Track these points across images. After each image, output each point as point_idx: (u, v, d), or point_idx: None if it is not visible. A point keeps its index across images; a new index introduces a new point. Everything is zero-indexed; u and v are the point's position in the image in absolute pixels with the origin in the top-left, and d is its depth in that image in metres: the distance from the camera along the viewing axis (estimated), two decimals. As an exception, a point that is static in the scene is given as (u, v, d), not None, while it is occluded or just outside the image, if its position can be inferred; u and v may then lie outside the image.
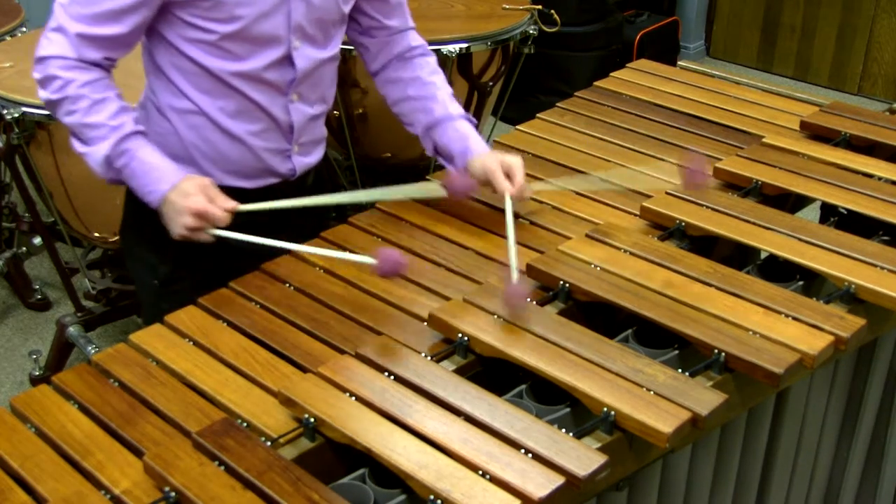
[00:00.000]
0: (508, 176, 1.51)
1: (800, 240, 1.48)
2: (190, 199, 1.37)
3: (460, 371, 1.25)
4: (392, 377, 1.19)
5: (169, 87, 1.48)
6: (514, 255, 1.39)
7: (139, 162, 1.41)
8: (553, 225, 1.57)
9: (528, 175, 1.59)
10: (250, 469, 1.05)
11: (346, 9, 1.53)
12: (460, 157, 1.57)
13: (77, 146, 1.45)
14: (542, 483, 1.03)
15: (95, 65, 1.41)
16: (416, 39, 1.65)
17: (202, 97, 1.47)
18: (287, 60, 1.47)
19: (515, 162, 1.52)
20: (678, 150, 1.80)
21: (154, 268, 1.59)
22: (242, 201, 1.42)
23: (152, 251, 1.57)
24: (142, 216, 1.48)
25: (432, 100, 1.60)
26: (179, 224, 1.38)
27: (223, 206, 1.39)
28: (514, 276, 1.36)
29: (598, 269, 1.41)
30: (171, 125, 1.51)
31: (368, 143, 2.68)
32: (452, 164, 1.60)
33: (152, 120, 1.52)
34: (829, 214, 1.69)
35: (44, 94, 1.43)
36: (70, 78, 1.39)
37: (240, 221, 1.40)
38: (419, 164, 2.74)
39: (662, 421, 1.11)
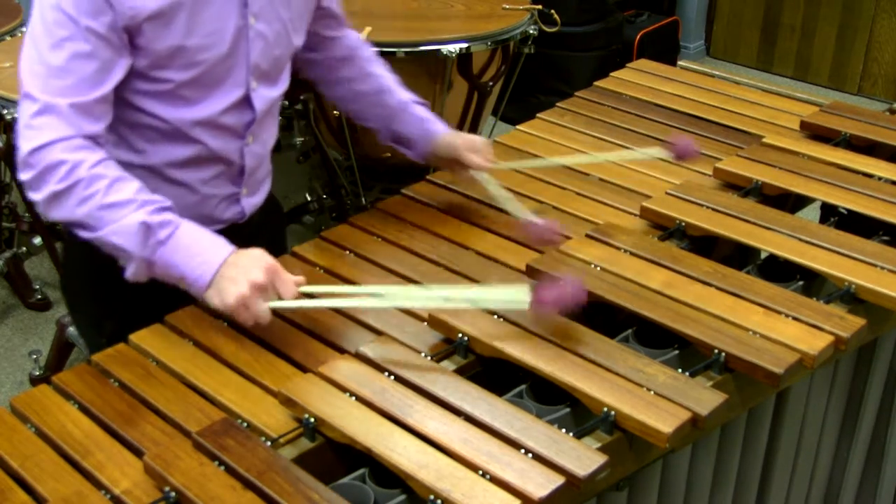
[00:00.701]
0: (473, 151, 1.54)
1: (800, 240, 1.48)
2: (262, 258, 1.24)
3: (460, 371, 1.25)
4: (392, 377, 1.19)
5: (110, 139, 1.36)
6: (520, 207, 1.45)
7: (185, 231, 1.24)
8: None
9: (522, 173, 1.59)
10: (250, 469, 1.05)
11: (298, 42, 1.47)
12: (421, 140, 1.59)
13: (91, 234, 1.24)
14: (542, 483, 1.03)
15: (97, 143, 1.26)
16: (352, 36, 1.62)
17: (152, 148, 1.37)
18: (245, 103, 1.40)
19: (480, 139, 1.56)
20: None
21: (100, 324, 1.50)
22: None
23: (97, 306, 1.50)
24: (84, 271, 1.41)
25: (384, 92, 1.60)
26: (245, 281, 1.21)
27: (289, 280, 1.25)
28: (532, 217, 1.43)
29: (598, 269, 1.41)
30: None
31: (368, 143, 2.68)
32: (413, 148, 1.61)
33: None
34: (829, 214, 1.69)
35: (44, 192, 1.23)
36: (79, 159, 1.22)
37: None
38: (419, 165, 2.74)
39: (662, 421, 1.12)
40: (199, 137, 1.38)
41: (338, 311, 1.35)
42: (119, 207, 1.23)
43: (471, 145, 1.55)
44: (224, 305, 1.23)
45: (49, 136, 1.23)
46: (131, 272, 1.26)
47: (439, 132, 1.58)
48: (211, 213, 1.46)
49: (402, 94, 1.61)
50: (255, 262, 1.23)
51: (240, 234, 1.41)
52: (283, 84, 1.47)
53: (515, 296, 1.24)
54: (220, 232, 1.39)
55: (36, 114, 1.24)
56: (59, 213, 1.25)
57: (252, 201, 1.51)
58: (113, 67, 1.27)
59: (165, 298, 1.32)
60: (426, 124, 1.59)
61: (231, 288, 1.22)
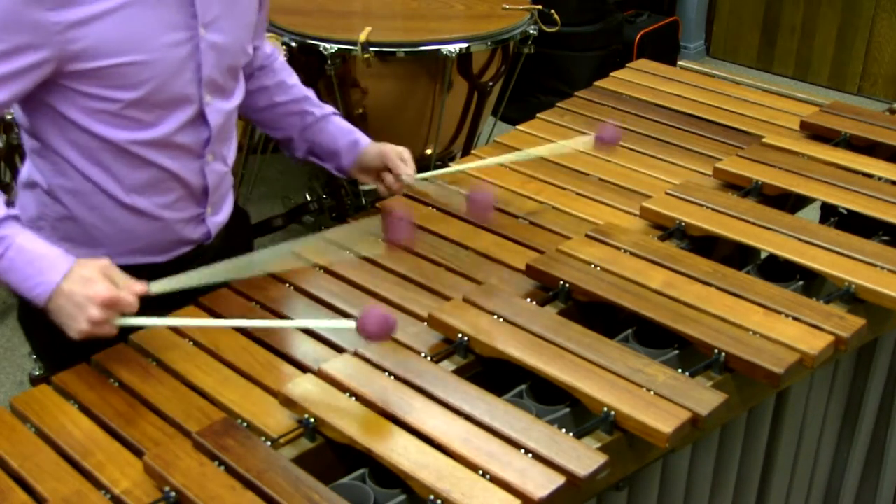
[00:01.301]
0: (402, 160, 1.54)
1: (800, 240, 1.48)
2: (93, 286, 1.16)
3: (460, 371, 1.25)
4: (392, 377, 1.19)
5: (59, 166, 1.31)
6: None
7: (17, 251, 1.17)
8: (553, 225, 1.57)
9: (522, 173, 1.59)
10: (250, 469, 1.05)
11: (250, 50, 1.43)
12: (348, 150, 1.56)
13: None
14: (542, 483, 1.03)
15: None
16: (267, 46, 1.59)
17: (103, 174, 1.31)
18: (199, 119, 1.33)
19: (405, 150, 1.55)
20: (678, 149, 1.81)
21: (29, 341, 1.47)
22: (152, 277, 1.23)
23: (23, 329, 1.46)
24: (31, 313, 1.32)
25: (304, 102, 1.57)
26: (82, 319, 1.16)
27: (132, 289, 1.19)
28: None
29: (598, 269, 1.41)
30: (64, 208, 1.34)
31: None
32: (334, 160, 1.57)
33: (42, 203, 1.36)
34: (829, 214, 1.69)
35: None
36: None
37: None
38: (419, 165, 2.73)
39: (662, 421, 1.11)
40: (151, 158, 1.32)
41: (338, 310, 1.35)
42: None
43: (399, 154, 1.54)
44: (76, 333, 1.18)
45: None
46: None
47: (365, 142, 1.56)
48: (177, 237, 1.41)
49: (323, 106, 1.58)
50: (91, 295, 1.16)
51: (206, 254, 1.39)
52: (239, 95, 1.43)
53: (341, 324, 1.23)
54: (188, 254, 1.39)
55: None
56: None
57: (217, 220, 1.46)
58: (6, 84, 1.19)
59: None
60: (353, 135, 1.56)
61: (71, 324, 1.18)
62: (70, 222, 1.35)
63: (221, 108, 1.37)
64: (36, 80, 1.22)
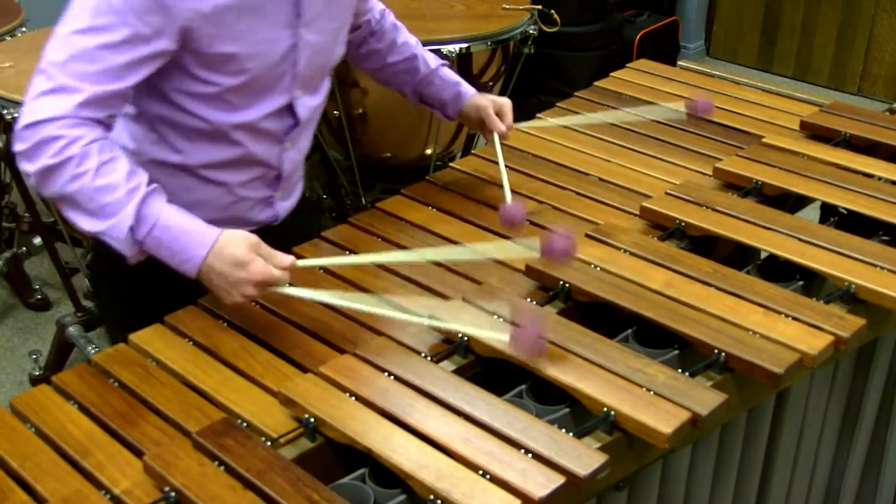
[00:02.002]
0: (500, 115, 1.63)
1: (800, 240, 1.48)
2: (247, 268, 1.21)
3: (460, 371, 1.24)
4: (392, 377, 1.19)
5: (150, 134, 1.38)
6: (507, 189, 1.52)
7: (164, 227, 1.23)
8: (553, 225, 1.57)
9: (522, 172, 1.60)
10: (250, 469, 1.05)
11: (340, 52, 1.49)
12: (453, 102, 1.67)
13: (86, 223, 1.24)
14: (542, 483, 1.03)
15: (98, 123, 1.25)
16: (376, 9, 1.66)
17: (192, 148, 1.38)
18: (287, 110, 1.41)
19: (506, 102, 1.65)
20: (678, 149, 1.80)
21: (129, 325, 1.47)
22: None
23: (125, 307, 1.50)
24: (110, 274, 1.42)
25: (413, 60, 1.66)
26: (237, 294, 1.22)
27: (280, 263, 1.24)
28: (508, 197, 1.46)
29: (598, 269, 1.41)
30: (147, 172, 1.33)
31: (368, 143, 2.68)
32: (443, 110, 1.69)
33: None
34: (829, 214, 1.69)
35: (36, 164, 1.22)
36: (75, 136, 1.21)
37: None
38: (419, 165, 2.74)
39: (662, 421, 1.11)
40: (239, 140, 1.39)
41: (338, 310, 1.35)
42: (108, 191, 1.22)
43: (498, 107, 1.64)
44: (229, 303, 1.25)
45: (51, 112, 1.22)
46: (130, 260, 1.27)
47: (468, 94, 1.66)
48: (244, 216, 1.47)
49: (431, 61, 1.68)
50: (245, 277, 1.21)
51: (272, 234, 1.41)
52: (324, 92, 1.49)
53: (496, 335, 1.23)
54: (253, 232, 1.40)
55: (49, 91, 1.23)
56: (50, 189, 1.24)
57: (285, 205, 1.53)
58: (141, 66, 1.26)
59: (188, 296, 1.34)
60: (458, 87, 1.67)
61: (225, 297, 1.24)
62: None
63: (308, 104, 1.44)
64: (161, 64, 1.28)
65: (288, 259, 1.25)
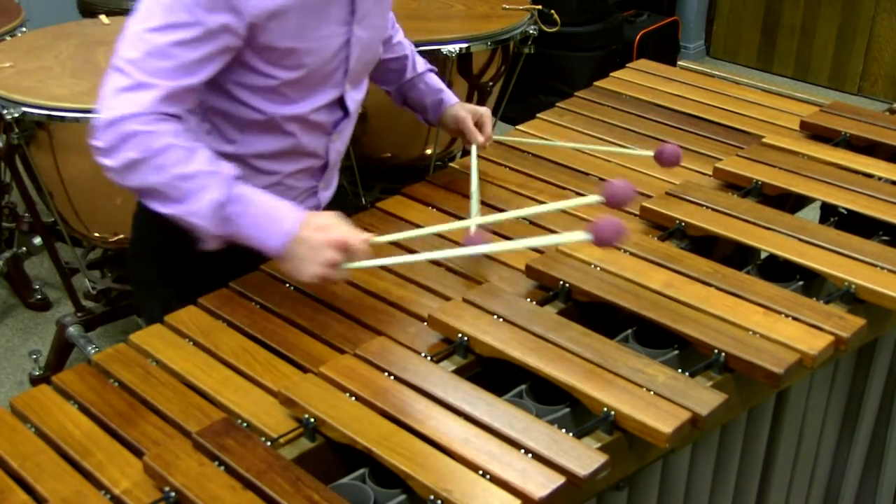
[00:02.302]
0: (478, 125, 1.66)
1: (800, 240, 1.48)
2: (328, 231, 1.26)
3: (460, 371, 1.25)
4: (392, 377, 1.19)
5: (203, 127, 1.43)
6: (476, 204, 1.51)
7: (254, 205, 1.27)
8: (554, 225, 1.57)
9: (522, 172, 1.61)
10: (250, 469, 1.05)
11: (380, 48, 1.56)
12: (433, 108, 1.70)
13: (168, 208, 1.28)
14: (542, 483, 1.03)
15: (176, 118, 1.29)
16: None
17: (246, 139, 1.43)
18: (338, 104, 1.47)
19: (485, 112, 1.68)
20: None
21: (158, 293, 1.55)
22: None
23: (157, 276, 1.54)
24: (154, 241, 1.46)
25: (404, 60, 1.69)
26: (318, 261, 1.25)
27: (361, 237, 1.28)
28: (473, 228, 1.43)
29: (598, 269, 1.41)
30: None
31: (368, 143, 2.68)
32: (424, 114, 1.72)
33: None
34: (829, 214, 1.69)
35: (118, 159, 1.26)
36: (155, 130, 1.25)
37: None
38: (419, 165, 2.74)
39: (662, 421, 1.11)
40: (291, 131, 1.43)
41: (338, 310, 1.35)
42: (191, 179, 1.26)
43: (477, 118, 1.67)
44: (309, 277, 1.27)
45: (131, 108, 1.26)
46: (205, 245, 1.31)
47: (450, 102, 1.69)
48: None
49: (419, 65, 1.71)
50: (325, 240, 1.25)
51: None
52: (365, 87, 1.55)
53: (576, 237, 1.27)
54: None
55: (125, 89, 1.27)
56: (133, 181, 1.28)
57: (326, 195, 1.59)
58: (212, 61, 1.30)
59: (234, 266, 1.37)
60: (441, 94, 1.70)
61: (306, 267, 1.27)
62: None
63: (355, 98, 1.51)
64: (229, 59, 1.32)
65: (365, 234, 1.29)
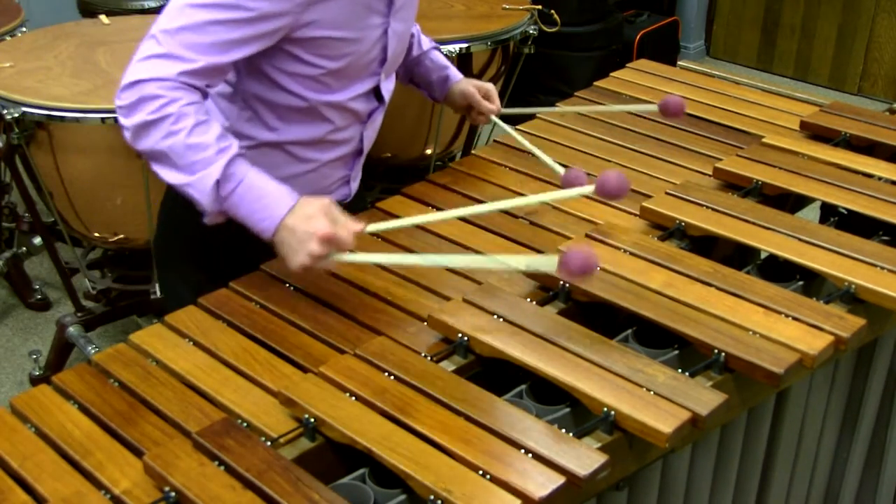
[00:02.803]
0: (486, 98, 1.70)
1: (800, 240, 1.48)
2: (314, 222, 1.26)
3: (460, 371, 1.24)
4: (392, 377, 1.19)
5: (244, 112, 1.45)
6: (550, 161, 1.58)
7: (248, 187, 1.29)
8: (553, 225, 1.57)
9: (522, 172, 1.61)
10: (250, 469, 1.05)
11: (409, 41, 1.60)
12: (439, 84, 1.72)
13: (172, 176, 1.30)
14: (542, 483, 1.03)
15: (197, 89, 1.31)
16: None
17: (285, 127, 1.45)
18: (373, 93, 1.50)
19: (490, 87, 1.72)
20: (678, 149, 1.81)
21: (188, 278, 1.57)
22: None
23: (188, 261, 1.56)
24: (181, 226, 1.48)
25: (412, 38, 1.71)
26: (304, 252, 1.26)
27: (350, 228, 1.28)
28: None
29: (598, 269, 1.40)
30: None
31: (368, 143, 2.68)
32: (430, 91, 1.74)
33: None
34: (829, 214, 1.69)
35: (134, 119, 1.28)
36: (174, 97, 1.27)
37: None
38: (419, 165, 2.74)
39: (662, 421, 1.11)
40: (330, 118, 1.46)
41: (338, 310, 1.35)
42: (199, 150, 1.28)
43: (485, 91, 1.71)
44: (296, 266, 1.28)
45: (155, 73, 1.28)
46: (207, 220, 1.33)
47: (456, 79, 1.71)
48: (324, 194, 1.49)
49: (424, 42, 1.73)
50: (311, 231, 1.26)
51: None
52: (394, 79, 1.58)
53: (544, 263, 1.27)
54: None
55: (156, 56, 1.29)
56: (144, 143, 1.30)
57: (354, 185, 1.63)
58: (248, 45, 1.31)
59: (259, 251, 1.37)
60: (446, 70, 1.72)
61: (292, 256, 1.28)
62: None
63: (389, 87, 1.54)
64: (267, 44, 1.34)
65: (357, 225, 1.29)
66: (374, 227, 1.36)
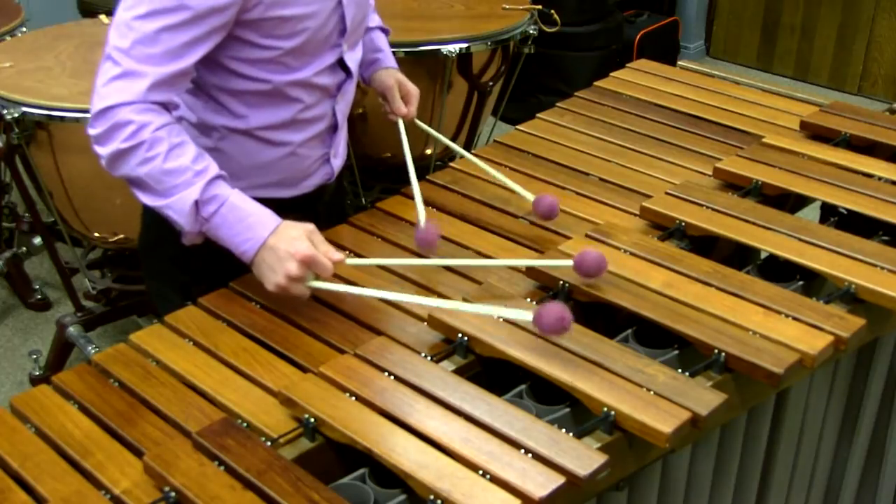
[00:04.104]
0: (405, 100, 1.67)
1: (800, 240, 1.48)
2: (296, 243, 1.27)
3: (460, 371, 1.25)
4: (392, 377, 1.19)
5: (210, 104, 1.45)
6: (417, 190, 1.54)
7: (230, 207, 1.30)
8: (553, 225, 1.57)
9: (522, 172, 1.64)
10: (250, 469, 1.05)
11: (370, 9, 1.58)
12: (366, 65, 1.69)
13: (150, 199, 1.32)
14: (542, 483, 1.03)
15: (165, 108, 1.32)
16: None
17: (253, 112, 1.45)
18: (338, 65, 1.48)
19: (413, 89, 1.68)
20: (678, 149, 1.81)
21: (175, 279, 1.57)
22: (279, 211, 1.33)
23: (173, 262, 1.55)
24: (162, 232, 1.47)
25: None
26: (282, 272, 1.27)
27: (330, 256, 1.29)
28: (421, 217, 1.47)
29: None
30: (209, 140, 1.47)
31: (368, 143, 2.68)
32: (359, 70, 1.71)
33: (189, 137, 1.43)
34: (829, 214, 1.69)
35: (109, 148, 1.29)
36: (145, 121, 1.28)
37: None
38: (419, 165, 2.73)
39: (662, 421, 1.11)
40: (297, 97, 1.45)
41: (338, 310, 1.35)
42: (176, 174, 1.29)
43: (405, 93, 1.67)
44: (272, 286, 1.29)
45: (122, 97, 1.28)
46: (186, 241, 1.33)
47: (383, 65, 1.69)
48: (305, 175, 1.54)
49: (371, 20, 1.70)
50: (292, 252, 1.27)
51: (326, 192, 1.59)
52: (360, 48, 1.57)
53: (519, 315, 1.25)
54: (312, 192, 1.56)
55: (117, 77, 1.29)
56: (120, 170, 1.31)
57: (337, 163, 1.61)
58: (202, 43, 1.31)
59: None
60: (375, 54, 1.70)
61: (269, 275, 1.29)
62: (214, 153, 1.41)
63: (354, 58, 1.52)
64: (221, 38, 1.34)
65: (338, 255, 1.30)
66: (354, 261, 1.37)
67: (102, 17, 2.54)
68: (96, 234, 2.32)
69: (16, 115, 2.08)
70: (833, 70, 4.31)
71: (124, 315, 2.54)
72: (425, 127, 1.73)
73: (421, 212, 1.51)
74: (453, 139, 2.75)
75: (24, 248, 2.78)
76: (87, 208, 2.25)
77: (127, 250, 2.39)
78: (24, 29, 2.61)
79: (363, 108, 2.61)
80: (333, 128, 1.54)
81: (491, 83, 2.66)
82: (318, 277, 1.30)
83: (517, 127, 1.91)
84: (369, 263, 1.43)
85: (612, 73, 2.13)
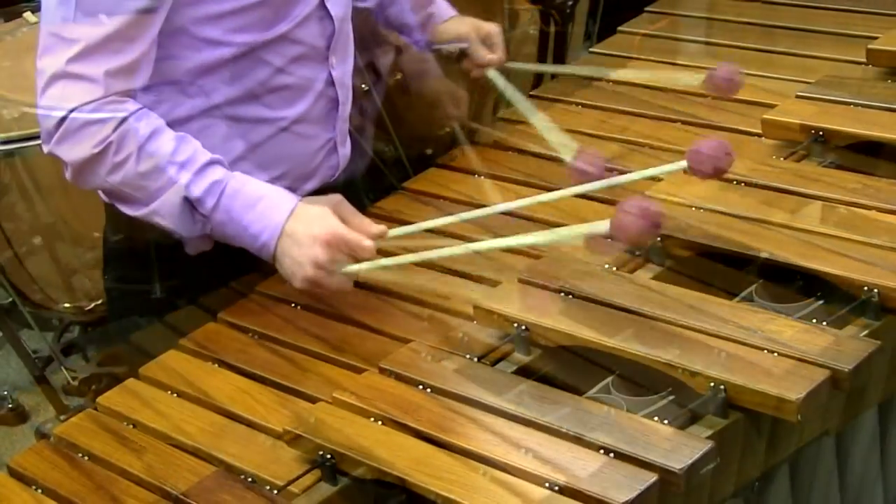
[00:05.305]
0: (487, 44, 1.78)
1: None
2: (317, 223, 1.40)
3: (521, 372, 1.39)
4: (427, 390, 1.34)
5: (188, 91, 1.58)
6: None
7: (233, 195, 1.43)
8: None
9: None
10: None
11: None
12: (420, 27, 1.81)
13: (136, 210, 1.47)
14: (626, 485, 1.15)
15: (126, 95, 1.46)
16: None
17: (234, 87, 1.58)
18: (321, 11, 1.61)
19: (493, 28, 1.78)
20: (812, 37, 1.91)
21: (146, 290, 1.72)
22: None
23: (138, 263, 1.71)
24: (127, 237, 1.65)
25: None
26: (308, 261, 1.40)
27: (366, 230, 1.42)
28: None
29: (701, 210, 1.53)
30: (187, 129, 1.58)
31: (415, 120, 2.82)
32: (410, 35, 1.85)
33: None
34: None
35: (70, 158, 1.45)
36: (106, 117, 1.42)
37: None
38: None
39: (788, 387, 1.21)
40: (280, 66, 1.58)
41: (356, 322, 1.53)
42: (155, 175, 1.43)
43: (484, 35, 1.79)
44: (300, 282, 1.43)
45: (73, 103, 1.43)
46: (190, 249, 1.50)
47: (443, 17, 1.82)
48: (312, 166, 1.68)
49: None
50: (315, 235, 1.40)
51: (332, 191, 1.65)
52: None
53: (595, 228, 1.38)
54: (315, 192, 1.64)
55: (54, 81, 1.45)
56: (91, 183, 1.47)
57: (344, 151, 1.74)
58: (150, 21, 1.46)
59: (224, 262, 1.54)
60: (429, 7, 1.83)
61: (296, 271, 1.43)
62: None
63: (341, 1, 1.63)
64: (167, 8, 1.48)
65: (376, 227, 1.43)
66: (399, 230, 1.49)
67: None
68: (65, 306, 2.53)
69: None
70: None
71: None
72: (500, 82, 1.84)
73: (565, 144, 1.63)
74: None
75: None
76: (45, 270, 2.46)
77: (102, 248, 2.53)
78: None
79: (401, 73, 2.76)
80: (333, 102, 1.68)
81: (570, 2, 2.76)
82: (357, 261, 1.41)
83: (591, 49, 2.06)
84: (416, 230, 1.53)
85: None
